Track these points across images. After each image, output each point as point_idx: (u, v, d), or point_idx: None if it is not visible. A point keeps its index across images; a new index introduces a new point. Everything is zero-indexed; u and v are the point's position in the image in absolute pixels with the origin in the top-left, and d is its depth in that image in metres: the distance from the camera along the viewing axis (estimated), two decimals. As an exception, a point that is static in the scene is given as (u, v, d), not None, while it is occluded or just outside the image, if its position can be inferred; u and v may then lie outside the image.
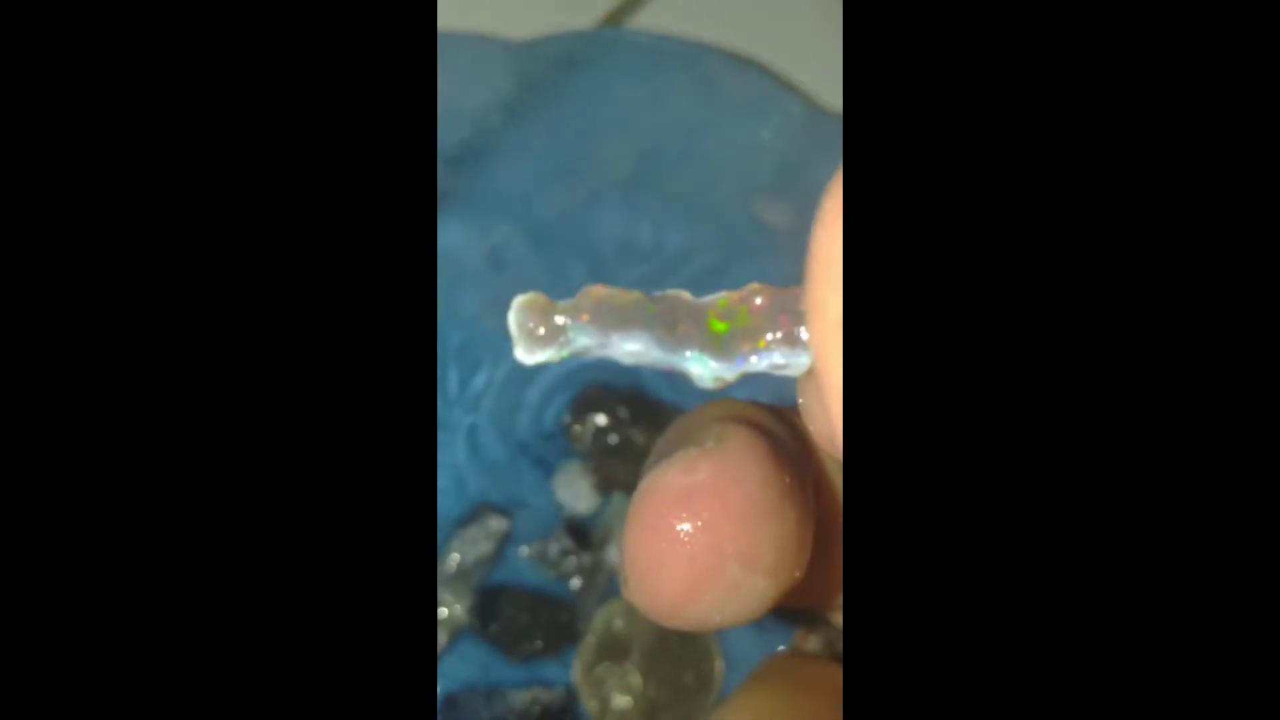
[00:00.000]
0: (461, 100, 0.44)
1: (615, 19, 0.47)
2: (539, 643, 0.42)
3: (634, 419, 0.43)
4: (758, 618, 0.20)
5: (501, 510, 0.43)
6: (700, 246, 0.43)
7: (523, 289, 0.18)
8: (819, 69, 0.45)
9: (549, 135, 0.44)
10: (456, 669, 0.42)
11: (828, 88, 0.45)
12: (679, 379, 0.45)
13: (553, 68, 0.44)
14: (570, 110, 0.44)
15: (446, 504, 0.43)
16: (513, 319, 0.18)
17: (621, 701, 0.41)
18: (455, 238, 0.43)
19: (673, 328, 0.18)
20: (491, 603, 0.42)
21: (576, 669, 0.42)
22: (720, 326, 0.18)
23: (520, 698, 0.41)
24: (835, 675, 0.25)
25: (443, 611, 0.42)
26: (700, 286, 0.18)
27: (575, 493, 0.43)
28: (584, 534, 0.43)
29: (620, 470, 0.43)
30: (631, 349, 0.18)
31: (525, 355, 0.18)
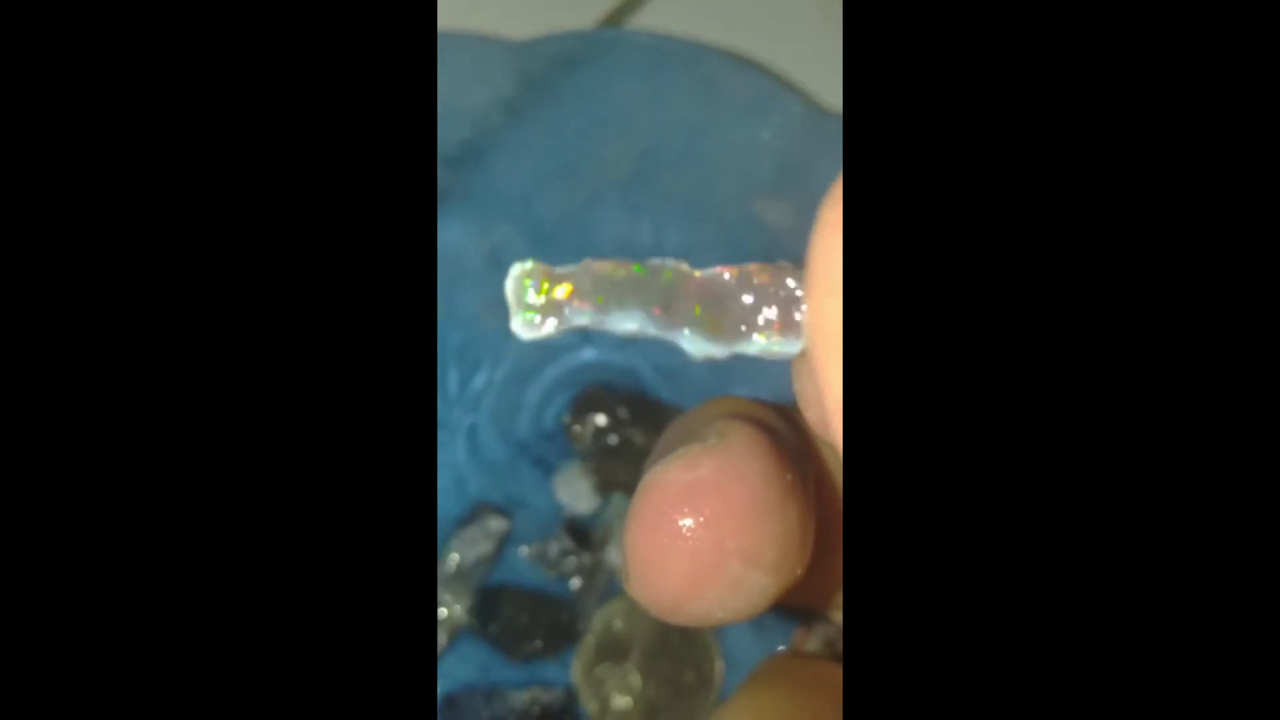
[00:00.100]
0: (461, 100, 0.44)
1: (615, 19, 0.47)
2: (539, 643, 0.42)
3: (634, 419, 0.43)
4: (759, 614, 0.20)
5: (501, 510, 0.43)
6: (700, 246, 0.43)
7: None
8: (819, 69, 0.45)
9: (549, 135, 0.44)
10: (456, 669, 0.42)
11: (828, 88, 0.45)
12: (679, 379, 0.45)
13: (553, 67, 0.44)
14: (570, 110, 0.44)
15: (446, 504, 0.43)
16: (510, 289, 0.18)
17: (621, 702, 0.41)
18: (455, 237, 0.43)
19: (669, 306, 0.18)
20: (491, 603, 0.42)
21: (576, 669, 0.42)
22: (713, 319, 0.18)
23: (520, 698, 0.41)
24: (835, 675, 0.25)
25: (442, 612, 0.42)
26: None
27: (575, 493, 0.43)
28: (584, 534, 0.43)
29: (620, 470, 0.43)
30: (628, 327, 0.18)
31: (521, 330, 0.18)
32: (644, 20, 0.47)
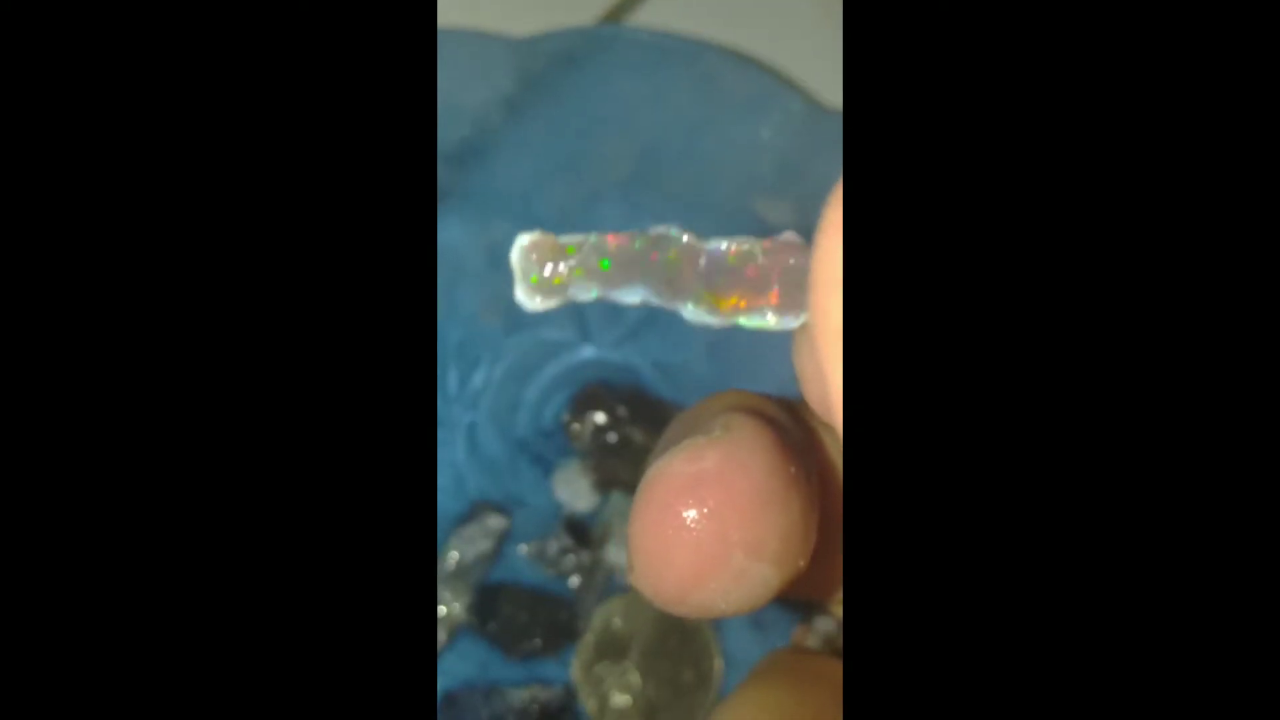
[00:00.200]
0: (461, 98, 0.44)
1: (615, 16, 0.47)
2: (538, 641, 0.42)
3: (633, 417, 0.43)
4: (761, 605, 0.20)
5: (500, 508, 0.43)
6: (700, 244, 0.43)
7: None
8: (819, 66, 0.45)
9: (549, 133, 0.44)
10: (455, 667, 0.42)
11: (828, 85, 0.45)
12: (678, 377, 0.45)
13: (553, 65, 0.44)
14: (570, 108, 0.44)
15: (445, 502, 0.43)
16: (516, 259, 0.18)
17: (620, 700, 0.41)
18: (455, 235, 0.43)
19: (673, 281, 0.18)
20: (490, 601, 0.42)
21: (575, 667, 0.42)
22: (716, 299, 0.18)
23: (519, 696, 0.41)
24: (836, 670, 0.25)
25: (441, 610, 0.42)
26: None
27: (574, 491, 0.43)
28: (583, 532, 0.43)
29: (619, 468, 0.43)
30: (631, 300, 0.18)
31: (526, 300, 0.18)
32: (644, 17, 0.47)
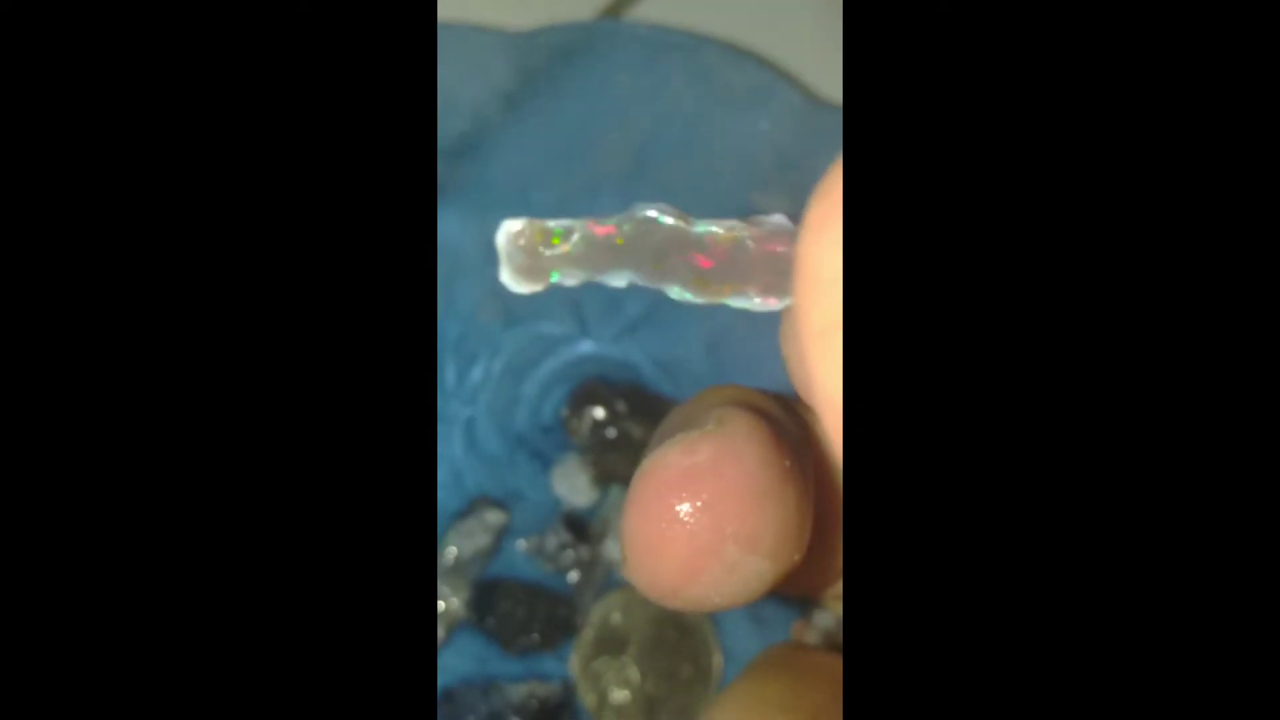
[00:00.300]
0: (460, 92, 0.44)
1: (614, 10, 0.47)
2: (536, 636, 0.42)
3: (632, 412, 0.43)
4: (756, 599, 0.20)
5: (499, 504, 0.43)
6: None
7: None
8: (818, 60, 0.45)
9: (547, 127, 0.44)
10: (454, 663, 0.42)
11: (827, 79, 0.45)
12: (677, 373, 0.45)
13: (551, 59, 0.44)
14: (569, 102, 0.44)
15: (444, 497, 0.43)
16: (502, 245, 0.18)
17: (619, 695, 0.41)
18: (453, 230, 0.43)
19: (660, 264, 0.18)
20: (489, 596, 0.42)
21: (574, 663, 0.41)
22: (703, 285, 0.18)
23: (518, 691, 0.41)
24: (834, 665, 0.25)
25: (440, 605, 0.42)
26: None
27: (573, 486, 0.43)
28: (582, 527, 0.43)
29: (618, 463, 0.43)
30: (617, 284, 0.18)
31: (511, 283, 0.18)
32: (642, 11, 0.47)
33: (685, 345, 0.44)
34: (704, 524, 0.19)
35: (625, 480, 0.43)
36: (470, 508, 0.43)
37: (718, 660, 0.42)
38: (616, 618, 0.41)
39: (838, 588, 0.25)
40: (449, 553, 0.42)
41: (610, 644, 0.41)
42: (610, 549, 0.42)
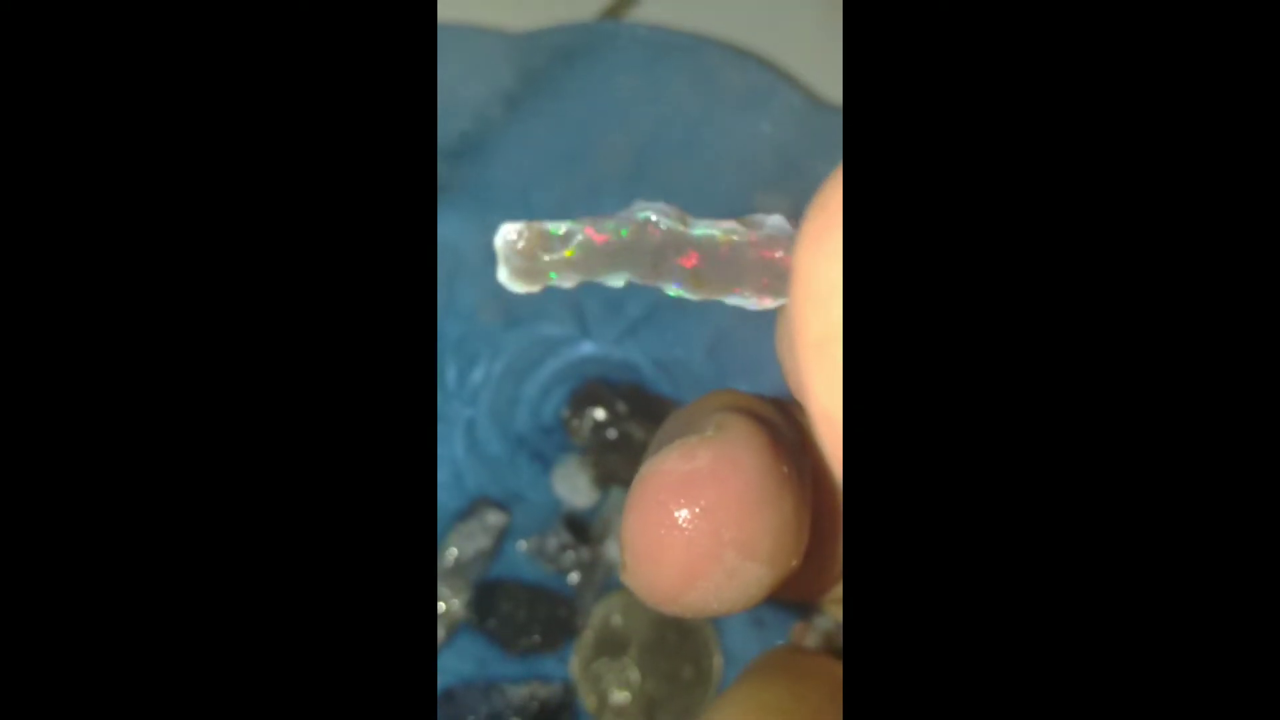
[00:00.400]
0: (461, 92, 0.44)
1: (615, 11, 0.47)
2: (537, 638, 0.42)
3: (632, 413, 0.43)
4: (754, 605, 0.20)
5: (499, 505, 0.43)
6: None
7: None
8: (819, 61, 0.45)
9: (549, 128, 0.44)
10: (454, 664, 0.42)
11: (828, 80, 0.45)
12: (677, 374, 0.45)
13: (552, 60, 0.44)
14: (570, 103, 0.44)
15: (444, 498, 0.43)
16: (500, 247, 0.18)
17: (619, 696, 0.41)
18: (454, 230, 0.43)
19: (658, 265, 0.18)
20: (489, 597, 0.42)
21: (574, 664, 0.41)
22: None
23: (518, 693, 0.41)
24: (833, 668, 0.25)
25: (440, 606, 0.42)
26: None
27: (573, 487, 0.43)
28: (582, 528, 0.43)
29: (619, 465, 0.43)
30: (614, 284, 0.19)
31: (508, 283, 0.18)
32: (643, 13, 0.47)
33: (686, 346, 0.44)
34: (703, 530, 0.19)
35: (626, 481, 0.43)
36: (471, 509, 0.43)
37: (718, 662, 0.41)
38: (617, 619, 0.41)
39: (836, 592, 0.25)
40: (450, 554, 0.42)
41: (611, 645, 0.41)
42: (611, 550, 0.42)
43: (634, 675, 0.41)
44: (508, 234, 0.18)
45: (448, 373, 0.44)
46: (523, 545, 0.43)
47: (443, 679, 0.41)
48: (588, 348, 0.44)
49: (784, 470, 0.20)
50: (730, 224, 0.18)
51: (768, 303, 0.18)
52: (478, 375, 0.44)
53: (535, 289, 0.18)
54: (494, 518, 0.43)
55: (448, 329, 0.44)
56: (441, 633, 0.42)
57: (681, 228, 0.18)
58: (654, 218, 0.18)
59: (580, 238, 0.18)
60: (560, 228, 0.18)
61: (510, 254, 0.18)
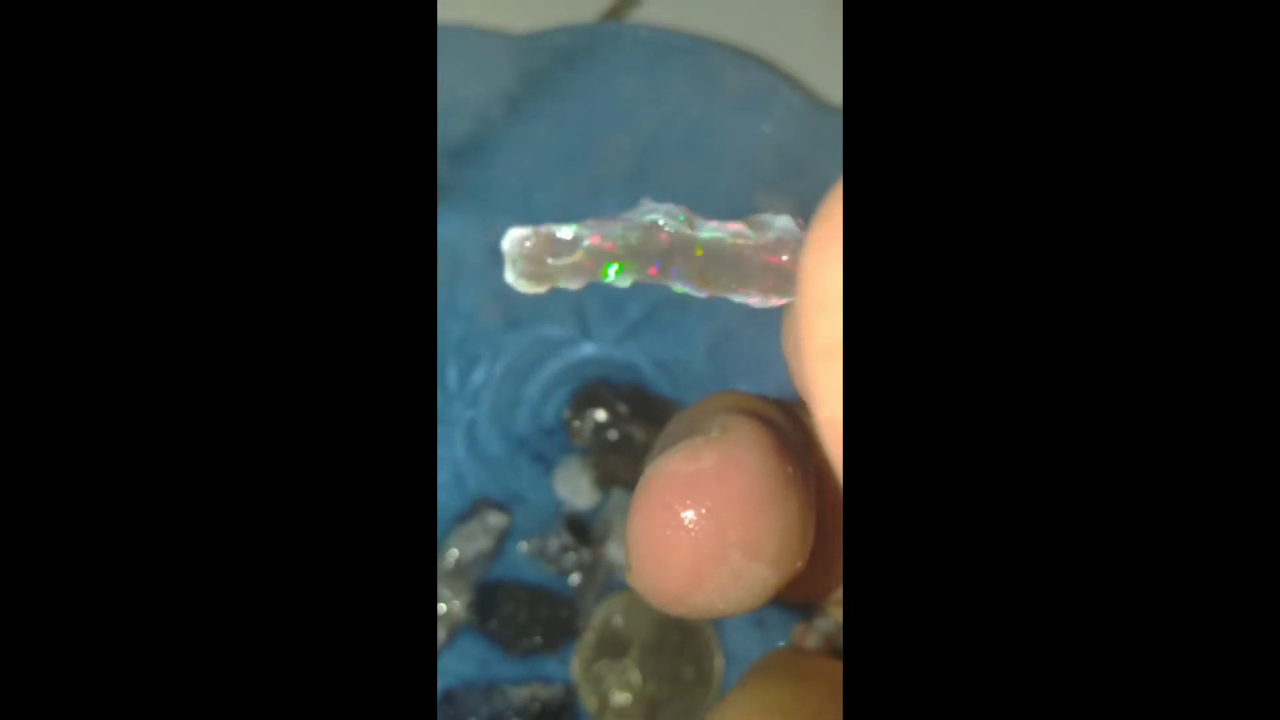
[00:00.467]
0: (463, 94, 0.44)
1: (616, 12, 0.47)
2: (538, 639, 0.42)
3: (634, 415, 0.43)
4: (759, 606, 0.20)
5: (500, 506, 0.43)
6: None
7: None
8: (820, 62, 0.45)
9: (550, 129, 0.44)
10: (455, 665, 0.42)
11: (829, 81, 0.45)
12: (679, 375, 0.45)
13: (554, 61, 0.44)
14: (571, 104, 0.44)
15: (445, 499, 0.43)
16: (507, 250, 0.18)
17: (621, 698, 0.41)
18: (456, 231, 0.43)
19: (665, 265, 0.18)
20: (490, 599, 0.42)
21: (575, 665, 0.41)
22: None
23: (519, 694, 0.41)
24: (835, 670, 0.25)
25: (441, 608, 0.42)
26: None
27: (575, 488, 0.43)
28: (583, 530, 0.43)
29: (620, 466, 0.43)
30: (622, 284, 0.19)
31: (515, 283, 0.18)
32: (645, 14, 0.47)
33: (687, 347, 0.44)
34: (708, 531, 0.19)
35: (627, 482, 0.43)
36: (472, 510, 0.43)
37: (719, 663, 0.41)
38: (618, 620, 0.41)
39: (840, 593, 0.25)
40: (450, 555, 0.42)
41: (612, 646, 0.41)
42: (612, 551, 0.42)
43: (635, 676, 0.41)
44: (515, 238, 0.18)
45: (449, 374, 0.44)
46: (524, 546, 0.43)
47: (444, 680, 0.41)
48: (589, 348, 0.44)
49: (789, 471, 0.20)
50: (738, 226, 0.18)
51: (774, 301, 0.18)
52: (479, 376, 0.44)
53: (541, 290, 0.19)
54: (495, 519, 0.43)
55: (449, 330, 0.44)
56: (442, 634, 0.42)
57: (688, 231, 0.18)
58: (661, 220, 0.18)
59: (587, 243, 0.18)
60: (568, 232, 0.18)
61: (517, 258, 0.18)
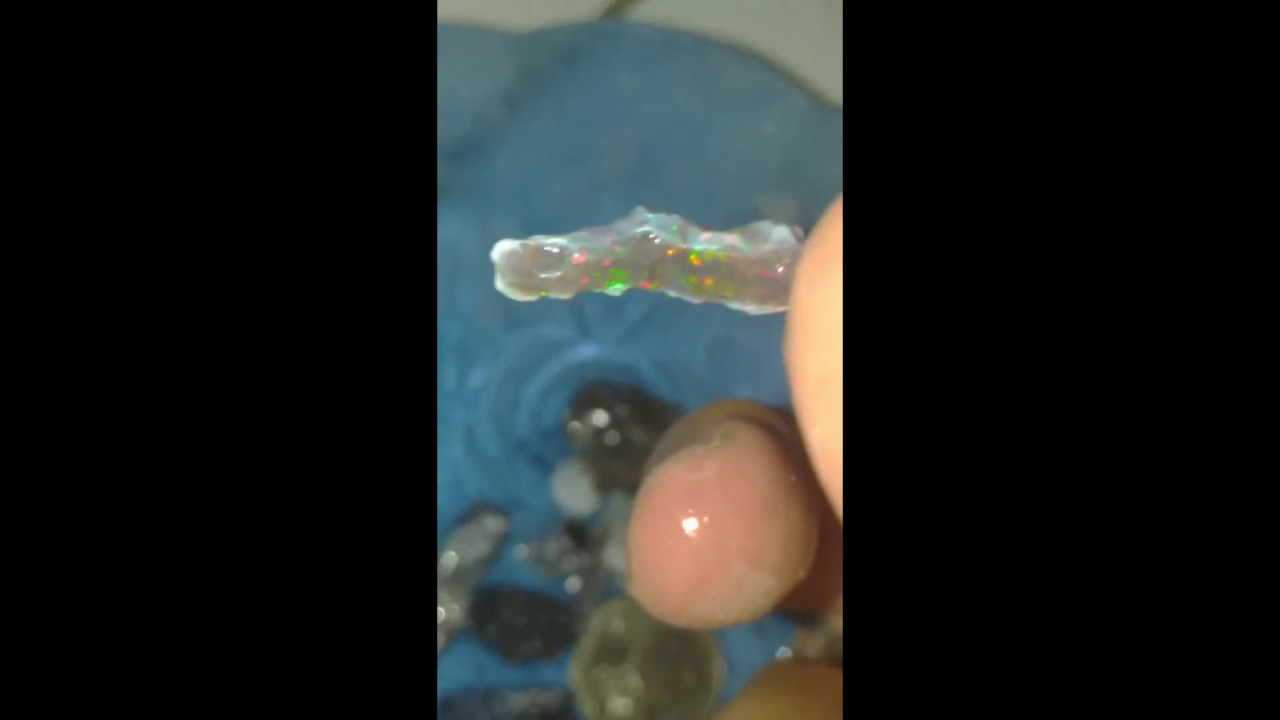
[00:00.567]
0: (462, 92, 0.43)
1: (617, 10, 0.47)
2: (537, 644, 0.41)
3: (634, 418, 0.43)
4: (761, 615, 0.20)
5: (499, 510, 0.43)
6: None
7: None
8: (822, 62, 0.45)
9: (550, 128, 0.44)
10: (453, 671, 0.42)
11: (831, 81, 0.45)
12: (679, 377, 0.45)
13: (554, 60, 0.44)
14: (572, 103, 0.44)
15: (444, 503, 0.43)
16: (496, 262, 0.18)
17: (620, 703, 0.41)
18: (455, 231, 0.43)
19: (656, 274, 0.18)
20: (489, 604, 0.42)
21: (574, 671, 0.41)
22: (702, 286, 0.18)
23: (518, 700, 0.41)
24: (837, 680, 0.25)
25: (440, 613, 0.42)
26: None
27: (574, 492, 0.43)
28: (582, 534, 0.43)
29: (619, 469, 0.43)
30: (613, 293, 0.19)
31: (506, 292, 0.18)
32: (645, 12, 0.47)
33: (687, 349, 0.44)
34: (710, 540, 0.19)
35: (626, 486, 0.43)
36: (470, 514, 0.43)
37: (719, 669, 0.41)
38: (617, 625, 0.41)
39: (839, 601, 0.25)
40: (449, 560, 0.42)
41: (611, 652, 0.41)
42: (611, 556, 0.42)
43: (634, 682, 0.41)
44: (504, 250, 0.18)
45: (448, 375, 0.44)
46: (522, 551, 0.43)
47: (442, 686, 0.41)
48: (588, 350, 0.44)
49: (791, 479, 0.20)
50: (732, 238, 0.18)
51: (770, 309, 0.18)
52: (478, 378, 0.44)
53: (532, 298, 0.19)
54: (493, 523, 0.42)
55: (448, 331, 0.44)
56: (441, 639, 0.42)
57: (681, 243, 0.18)
58: (652, 232, 0.18)
59: (575, 258, 0.18)
60: (556, 245, 0.18)
61: (507, 269, 0.18)
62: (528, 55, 0.44)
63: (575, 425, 0.43)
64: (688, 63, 0.44)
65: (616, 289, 0.18)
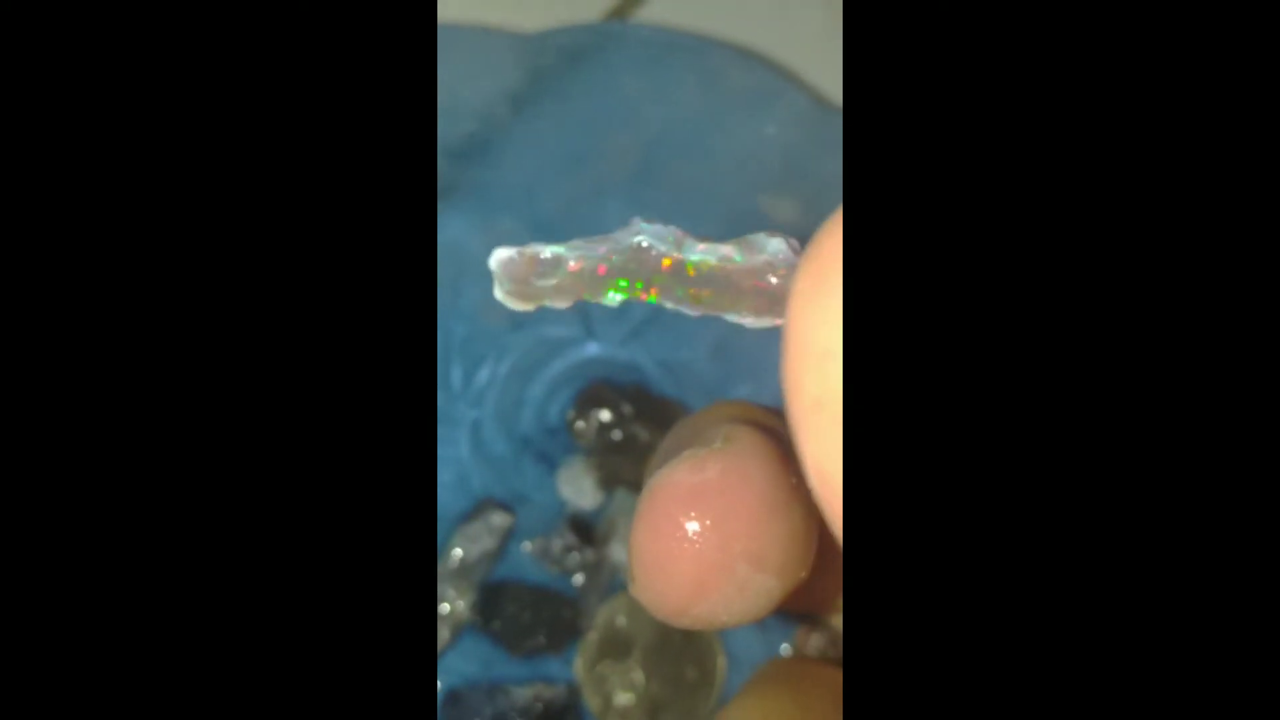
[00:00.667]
0: (467, 93, 0.43)
1: (621, 12, 0.47)
2: (541, 639, 0.42)
3: (638, 415, 0.43)
4: (763, 617, 0.20)
5: (504, 506, 0.43)
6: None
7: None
8: (825, 62, 0.45)
9: (554, 128, 0.44)
10: (459, 665, 0.42)
11: (834, 81, 0.45)
12: (682, 375, 0.45)
13: (559, 61, 0.44)
14: (576, 103, 0.44)
15: (449, 499, 0.43)
16: (494, 269, 0.18)
17: (624, 698, 0.41)
18: (460, 231, 0.43)
19: (652, 284, 0.18)
20: (494, 599, 0.42)
21: (579, 665, 0.41)
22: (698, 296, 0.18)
23: (523, 694, 0.41)
24: (837, 679, 0.25)
25: (445, 608, 0.42)
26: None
27: (578, 489, 0.43)
28: (587, 530, 0.43)
29: (623, 466, 0.43)
30: (611, 303, 0.19)
31: (504, 300, 0.19)
32: (650, 13, 0.47)
33: (691, 348, 0.44)
34: (712, 542, 0.19)
35: (631, 483, 0.43)
36: (476, 510, 0.43)
37: (722, 664, 0.42)
38: (622, 621, 0.41)
39: (840, 601, 0.25)
40: (454, 555, 0.42)
41: (615, 647, 0.41)
42: (615, 552, 0.42)
43: (638, 677, 0.41)
44: (501, 258, 0.18)
45: (453, 374, 0.44)
46: (527, 546, 0.43)
47: (447, 680, 0.42)
48: (593, 349, 0.44)
49: (793, 481, 0.20)
50: (728, 249, 0.18)
51: (766, 322, 0.18)
52: (483, 376, 0.44)
53: (529, 308, 0.19)
54: (499, 519, 0.43)
55: (453, 330, 0.44)
56: (446, 634, 0.42)
57: (677, 254, 0.18)
58: (646, 243, 0.18)
59: (570, 266, 0.18)
60: (552, 253, 0.18)
61: (504, 277, 0.18)
62: (532, 56, 0.44)
63: (579, 423, 0.43)
64: (691, 63, 0.44)
65: (614, 299, 0.18)
